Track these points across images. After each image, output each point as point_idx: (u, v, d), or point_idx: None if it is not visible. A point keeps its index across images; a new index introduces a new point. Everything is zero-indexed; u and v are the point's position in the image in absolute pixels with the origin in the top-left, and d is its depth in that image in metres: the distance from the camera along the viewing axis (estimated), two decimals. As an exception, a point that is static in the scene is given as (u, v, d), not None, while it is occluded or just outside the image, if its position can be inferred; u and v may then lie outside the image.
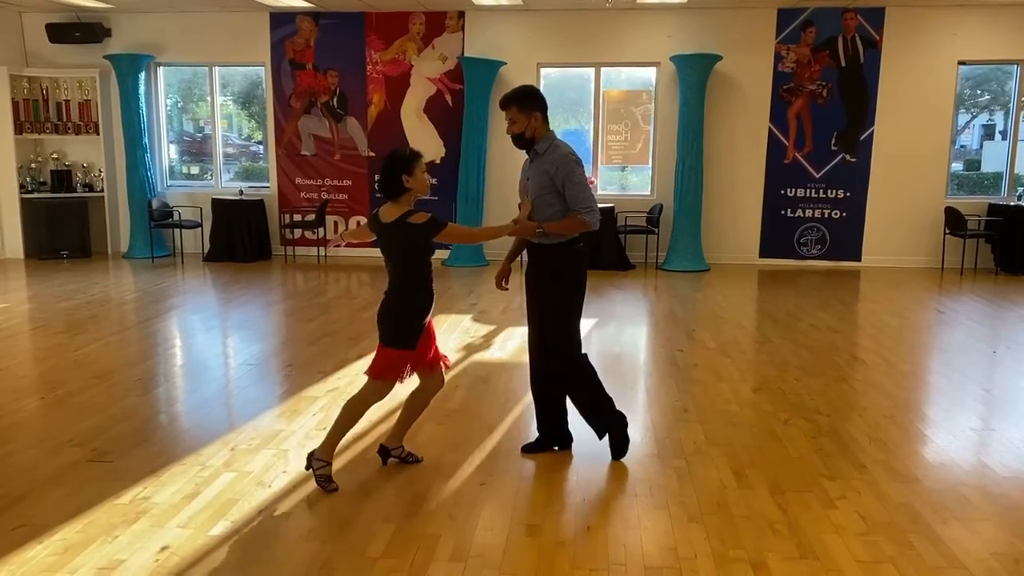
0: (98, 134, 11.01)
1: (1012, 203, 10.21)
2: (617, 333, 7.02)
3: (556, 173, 3.81)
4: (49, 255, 10.74)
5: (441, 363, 3.93)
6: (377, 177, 3.72)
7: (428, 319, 3.78)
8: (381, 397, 3.76)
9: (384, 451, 3.98)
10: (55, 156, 11.11)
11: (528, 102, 3.87)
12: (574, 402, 4.10)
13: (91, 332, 6.72)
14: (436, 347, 3.90)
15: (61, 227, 10.82)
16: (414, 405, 3.95)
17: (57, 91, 11.03)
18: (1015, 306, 8.19)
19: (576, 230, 3.87)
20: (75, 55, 11.02)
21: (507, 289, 4.17)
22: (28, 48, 11.13)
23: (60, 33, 10.82)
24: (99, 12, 10.81)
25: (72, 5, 10.39)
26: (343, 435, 3.76)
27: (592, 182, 10.48)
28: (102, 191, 11.13)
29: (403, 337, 3.67)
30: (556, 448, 4.16)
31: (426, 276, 3.69)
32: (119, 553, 3.10)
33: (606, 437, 4.07)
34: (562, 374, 4.01)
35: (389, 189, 3.61)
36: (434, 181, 10.89)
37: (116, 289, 8.87)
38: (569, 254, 3.90)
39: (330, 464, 3.72)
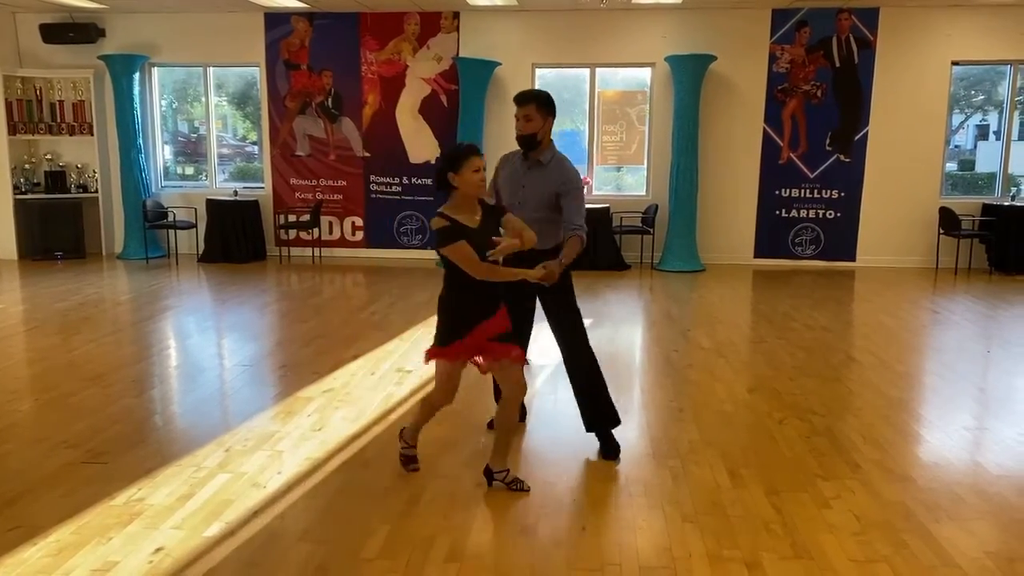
0: (92, 135, 10.98)
1: (1006, 203, 10.25)
2: (612, 333, 7.02)
3: (562, 187, 3.82)
4: (43, 256, 10.71)
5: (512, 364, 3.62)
6: None
7: (482, 322, 3.53)
8: (436, 396, 3.75)
9: (488, 473, 3.76)
10: (49, 157, 11.08)
11: (549, 106, 3.87)
12: (585, 387, 4.12)
13: (85, 333, 6.70)
14: (494, 350, 3.59)
15: (55, 228, 10.79)
16: (498, 418, 3.79)
17: (51, 91, 11.00)
18: (1009, 306, 8.21)
19: (579, 251, 3.83)
20: (69, 55, 11.00)
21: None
22: (22, 48, 11.10)
23: (54, 33, 10.79)
24: (93, 12, 10.78)
25: (66, 5, 10.36)
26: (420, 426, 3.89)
27: (587, 182, 10.47)
28: (96, 192, 11.10)
29: (440, 334, 3.60)
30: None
31: (469, 280, 3.45)
32: (113, 554, 3.09)
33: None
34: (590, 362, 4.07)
35: (438, 184, 3.49)
36: (429, 181, 10.90)
37: (110, 290, 8.85)
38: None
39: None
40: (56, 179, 10.98)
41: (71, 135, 11.02)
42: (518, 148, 4.01)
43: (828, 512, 3.49)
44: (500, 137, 10.70)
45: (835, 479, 3.84)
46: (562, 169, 3.88)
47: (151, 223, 10.72)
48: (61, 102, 11.02)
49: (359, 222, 11.22)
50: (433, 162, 10.86)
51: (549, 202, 3.88)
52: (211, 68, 11.32)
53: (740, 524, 3.38)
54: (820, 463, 4.04)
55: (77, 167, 11.16)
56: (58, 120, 11.03)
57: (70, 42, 10.85)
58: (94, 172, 11.10)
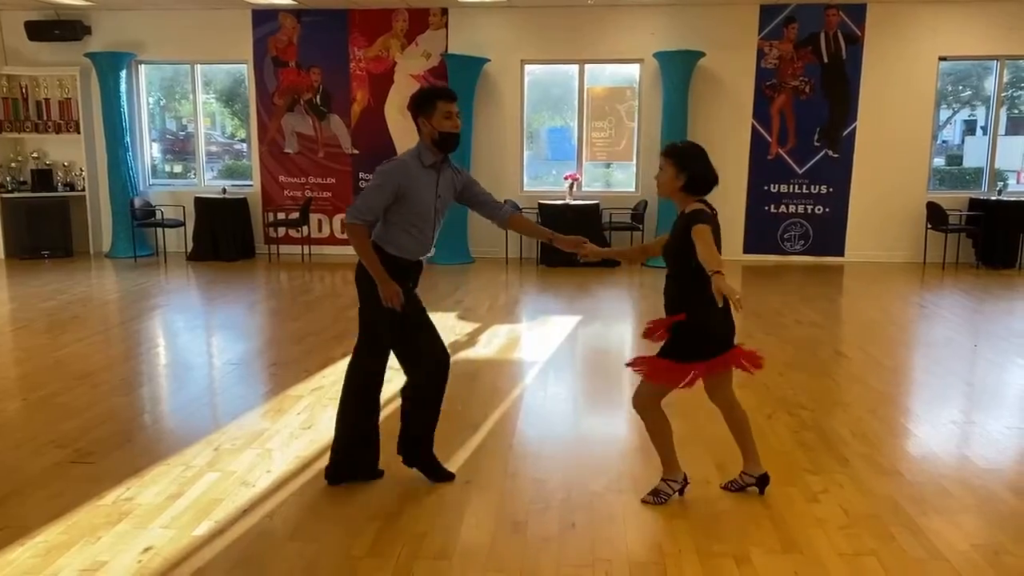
0: (79, 133, 10.90)
1: (993, 198, 10.31)
2: (603, 329, 7.03)
3: (466, 177, 3.80)
4: (30, 255, 10.64)
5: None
6: (694, 172, 3.39)
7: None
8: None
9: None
10: (35, 155, 11.00)
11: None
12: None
13: (73, 332, 6.67)
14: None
15: (42, 227, 10.72)
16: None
17: (37, 89, 10.92)
18: (996, 300, 8.26)
19: None
20: (55, 53, 10.91)
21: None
22: (7, 46, 11.00)
23: (39, 31, 10.70)
24: (79, 9, 10.70)
25: (51, 3, 10.28)
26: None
27: (576, 178, 10.47)
28: (83, 190, 11.02)
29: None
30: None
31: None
32: (102, 554, 3.08)
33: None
34: None
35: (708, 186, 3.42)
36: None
37: (98, 289, 8.80)
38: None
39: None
40: (43, 177, 10.90)
41: (57, 133, 10.94)
42: (404, 157, 3.65)
43: (816, 506, 3.51)
44: (488, 133, 10.71)
45: (823, 473, 3.86)
46: (455, 166, 3.74)
47: (139, 221, 10.67)
48: (47, 100, 10.94)
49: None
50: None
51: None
52: (198, 65, 11.25)
53: (729, 519, 3.39)
54: (809, 458, 4.06)
55: (64, 165, 11.09)
56: (44, 118, 10.95)
57: (56, 39, 10.76)
58: (81, 170, 11.02)
